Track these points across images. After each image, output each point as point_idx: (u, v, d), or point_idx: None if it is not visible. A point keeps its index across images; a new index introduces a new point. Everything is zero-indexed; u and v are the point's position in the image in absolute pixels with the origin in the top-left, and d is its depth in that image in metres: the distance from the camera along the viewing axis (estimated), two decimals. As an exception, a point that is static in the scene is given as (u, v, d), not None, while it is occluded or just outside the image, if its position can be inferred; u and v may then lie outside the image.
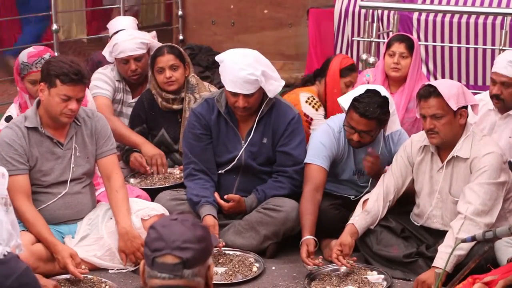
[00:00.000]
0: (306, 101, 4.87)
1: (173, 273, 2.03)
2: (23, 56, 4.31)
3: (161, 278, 2.04)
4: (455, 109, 3.69)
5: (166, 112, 4.82)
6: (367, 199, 4.00)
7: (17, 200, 3.73)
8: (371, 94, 3.98)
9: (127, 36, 5.00)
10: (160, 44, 5.11)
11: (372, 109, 3.94)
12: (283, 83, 4.21)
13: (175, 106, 4.81)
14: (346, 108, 4.04)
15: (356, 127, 4.01)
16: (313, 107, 4.87)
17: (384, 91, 4.04)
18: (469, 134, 3.81)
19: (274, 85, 4.12)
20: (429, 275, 3.56)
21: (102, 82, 4.95)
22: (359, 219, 3.92)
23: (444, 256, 3.49)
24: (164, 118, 4.84)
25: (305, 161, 4.18)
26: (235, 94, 4.08)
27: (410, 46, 4.85)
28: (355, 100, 3.98)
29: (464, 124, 3.80)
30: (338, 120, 4.23)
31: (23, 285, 2.28)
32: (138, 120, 4.87)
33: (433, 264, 3.62)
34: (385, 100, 3.99)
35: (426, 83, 3.86)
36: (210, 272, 2.11)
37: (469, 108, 3.84)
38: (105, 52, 5.06)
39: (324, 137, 4.17)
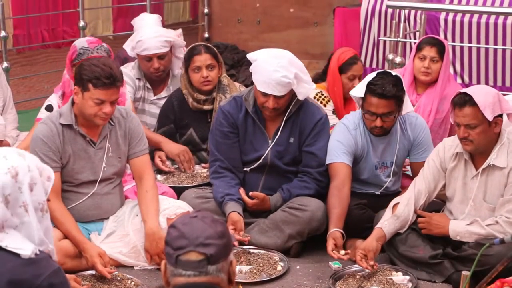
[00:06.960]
0: (314, 97, 4.84)
1: (198, 269, 2.04)
2: (82, 42, 4.36)
3: (186, 275, 2.05)
4: (490, 119, 3.62)
5: (196, 112, 4.79)
6: (397, 203, 3.95)
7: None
8: (383, 75, 4.01)
9: (152, 34, 4.94)
10: (184, 43, 5.10)
11: (388, 88, 3.95)
12: (314, 86, 4.19)
13: (205, 107, 4.77)
14: (362, 96, 4.03)
15: (377, 111, 4.01)
16: (321, 102, 4.83)
17: (393, 72, 4.08)
18: (504, 142, 3.74)
19: (305, 88, 4.09)
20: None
21: None
22: (388, 224, 3.88)
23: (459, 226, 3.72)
24: (193, 118, 4.81)
25: (326, 162, 4.16)
26: (266, 95, 4.06)
27: (441, 50, 4.79)
28: (370, 84, 3.99)
29: (499, 132, 3.74)
30: (352, 117, 4.23)
31: (53, 285, 2.28)
32: (166, 120, 4.85)
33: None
34: (398, 78, 4.03)
35: (462, 90, 3.76)
36: (232, 267, 2.12)
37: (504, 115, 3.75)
38: (127, 46, 5.02)
39: (340, 136, 4.16)
